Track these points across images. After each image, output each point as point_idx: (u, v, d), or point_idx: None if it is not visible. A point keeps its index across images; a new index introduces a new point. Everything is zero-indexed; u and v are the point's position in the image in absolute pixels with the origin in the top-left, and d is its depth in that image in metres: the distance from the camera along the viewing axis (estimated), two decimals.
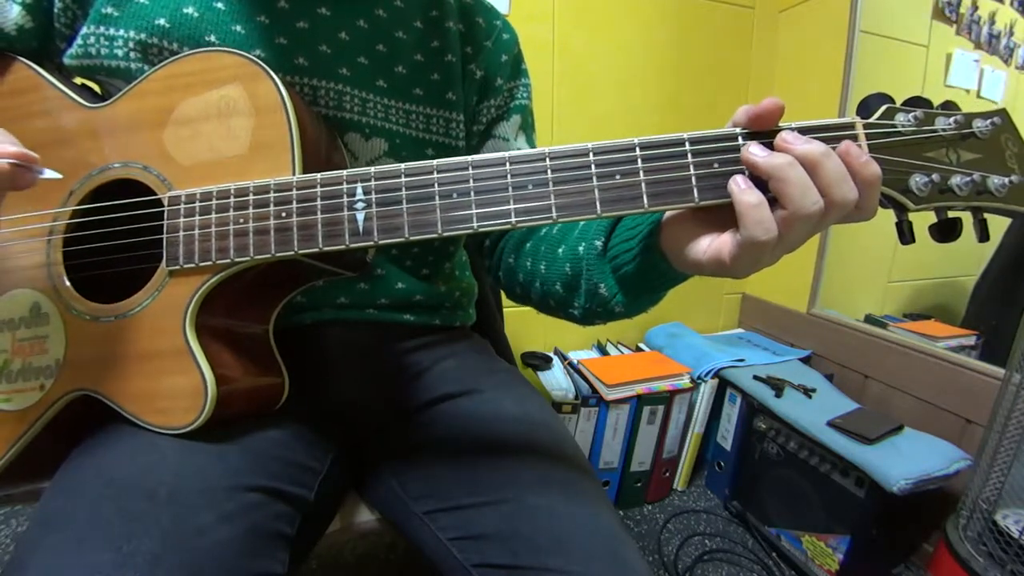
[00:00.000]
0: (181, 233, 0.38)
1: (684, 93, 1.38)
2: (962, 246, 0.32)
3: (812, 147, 0.30)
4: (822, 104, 1.29)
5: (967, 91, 1.20)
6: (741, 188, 0.31)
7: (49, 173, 0.36)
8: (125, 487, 0.35)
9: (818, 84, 1.31)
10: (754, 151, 0.31)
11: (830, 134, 0.32)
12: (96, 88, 0.48)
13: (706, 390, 1.23)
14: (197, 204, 0.38)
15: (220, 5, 0.45)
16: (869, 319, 1.28)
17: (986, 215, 0.33)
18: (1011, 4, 1.18)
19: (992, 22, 1.18)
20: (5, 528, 1.04)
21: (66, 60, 0.45)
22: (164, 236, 0.39)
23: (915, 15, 1.20)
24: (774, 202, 0.31)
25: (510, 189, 0.34)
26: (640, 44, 1.32)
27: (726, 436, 1.25)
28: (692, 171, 0.33)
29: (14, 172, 0.33)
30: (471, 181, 0.34)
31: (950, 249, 0.34)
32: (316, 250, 0.36)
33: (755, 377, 1.17)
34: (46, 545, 0.33)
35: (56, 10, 0.44)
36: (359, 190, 0.36)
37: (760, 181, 0.31)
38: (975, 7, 1.18)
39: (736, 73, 1.43)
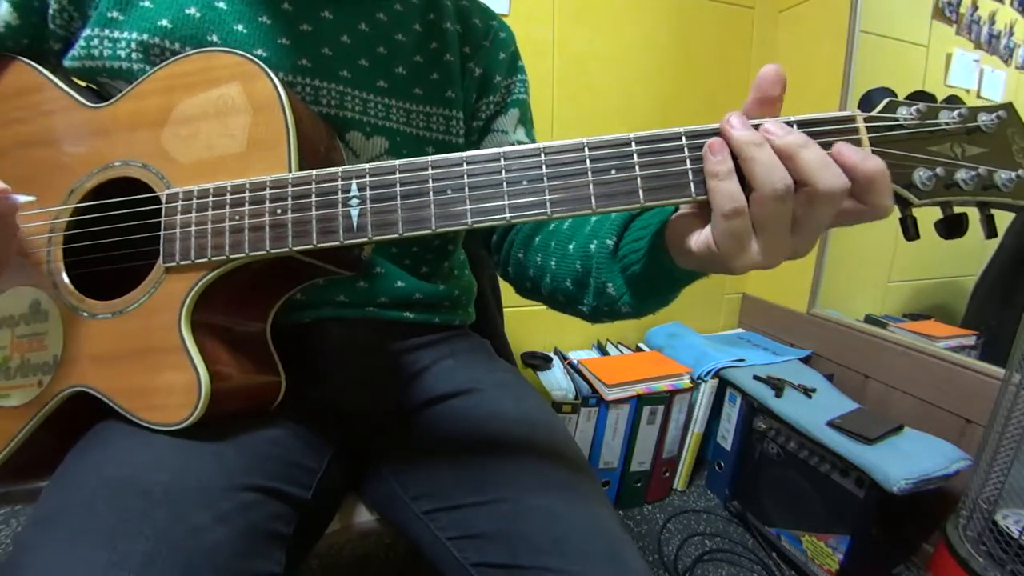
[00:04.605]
0: (178, 230, 0.38)
1: (684, 93, 1.38)
2: (962, 245, 0.32)
3: (790, 138, 0.30)
4: (822, 104, 1.29)
5: (967, 91, 1.20)
6: (715, 158, 0.30)
7: (23, 198, 0.37)
8: (121, 486, 0.35)
9: (818, 84, 1.31)
10: (734, 122, 0.31)
11: (831, 127, 0.31)
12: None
13: (706, 390, 1.23)
14: (194, 201, 0.38)
15: (222, 4, 0.46)
16: (869, 319, 1.28)
17: (993, 211, 0.32)
18: (1011, 4, 1.18)
19: (992, 22, 1.18)
20: (5, 528, 1.04)
21: (67, 62, 0.45)
22: (161, 233, 0.39)
23: (915, 15, 1.20)
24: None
25: (504, 185, 0.34)
26: (640, 44, 1.32)
27: (726, 436, 1.24)
28: (688, 165, 0.32)
29: None
30: (465, 177, 0.34)
31: (950, 249, 0.34)
32: (310, 246, 0.36)
33: (755, 377, 1.17)
34: (41, 544, 0.33)
35: (51, 11, 0.44)
36: (354, 187, 0.36)
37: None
38: (975, 7, 1.18)
39: (736, 73, 1.43)
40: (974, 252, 1.17)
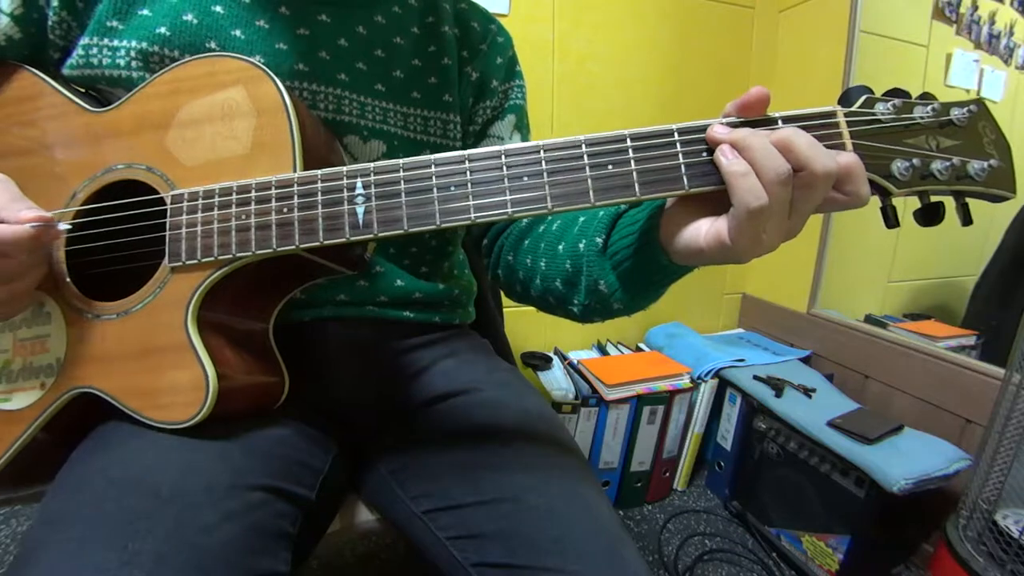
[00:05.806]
0: (184, 230, 0.39)
1: (684, 93, 1.38)
2: (962, 245, 0.33)
3: (780, 133, 0.31)
4: (822, 104, 1.29)
5: (967, 91, 1.20)
6: (729, 159, 0.32)
7: (62, 226, 0.39)
8: (128, 485, 0.35)
9: (818, 84, 1.31)
10: (718, 129, 0.33)
11: (812, 122, 0.33)
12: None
13: (706, 390, 1.23)
14: (200, 202, 0.39)
15: (219, 9, 0.46)
16: (869, 319, 1.28)
17: (968, 199, 0.34)
18: (1011, 4, 1.18)
19: (992, 22, 1.18)
20: (5, 528, 1.05)
21: (65, 71, 0.45)
22: (167, 233, 0.39)
23: (915, 15, 1.20)
24: None
25: (506, 181, 0.35)
26: (640, 44, 1.32)
27: (726, 436, 1.25)
28: (681, 159, 0.34)
29: (37, 234, 0.36)
30: (468, 174, 0.35)
31: (950, 249, 0.34)
32: (317, 244, 0.37)
33: (755, 377, 1.17)
34: (50, 544, 0.33)
35: (50, 23, 0.45)
36: (359, 185, 0.37)
37: None
38: (975, 7, 1.18)
39: (736, 73, 1.43)
40: (974, 252, 1.17)
